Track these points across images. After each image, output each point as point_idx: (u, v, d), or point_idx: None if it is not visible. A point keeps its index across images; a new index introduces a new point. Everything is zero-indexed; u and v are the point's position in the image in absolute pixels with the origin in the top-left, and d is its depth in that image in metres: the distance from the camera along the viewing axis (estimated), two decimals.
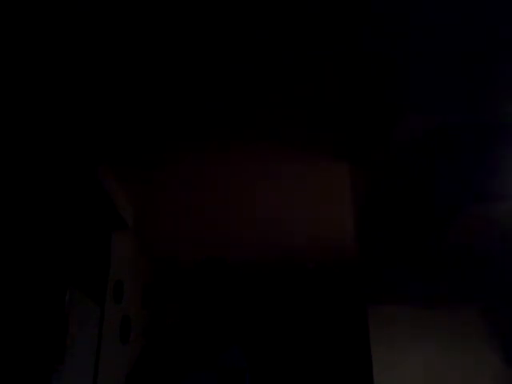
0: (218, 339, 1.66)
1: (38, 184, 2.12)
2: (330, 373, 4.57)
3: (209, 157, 2.68)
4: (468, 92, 2.16)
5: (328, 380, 4.54)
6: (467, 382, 4.19)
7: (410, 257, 3.86)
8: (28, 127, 2.05)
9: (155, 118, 2.34)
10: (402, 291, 4.36)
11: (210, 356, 1.61)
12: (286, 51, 1.91)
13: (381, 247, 3.78)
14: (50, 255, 2.19)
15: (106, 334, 2.87)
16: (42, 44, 1.83)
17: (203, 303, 1.67)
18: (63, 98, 2.14)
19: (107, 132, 2.44)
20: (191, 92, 2.16)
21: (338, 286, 4.71)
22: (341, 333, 4.69)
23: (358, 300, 4.64)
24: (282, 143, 2.56)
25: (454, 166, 2.69)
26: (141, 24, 1.77)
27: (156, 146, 2.58)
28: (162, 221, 3.47)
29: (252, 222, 3.48)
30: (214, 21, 1.76)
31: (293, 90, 2.15)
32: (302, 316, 4.86)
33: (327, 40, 1.85)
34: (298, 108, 2.27)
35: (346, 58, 1.95)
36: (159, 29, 1.79)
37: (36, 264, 2.07)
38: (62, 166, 2.30)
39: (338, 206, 3.20)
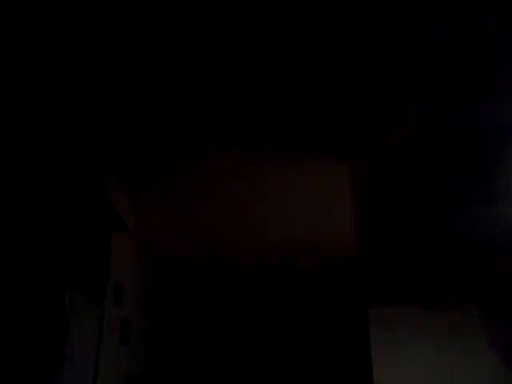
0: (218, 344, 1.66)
1: (39, 185, 2.11)
2: (329, 373, 4.57)
3: (208, 157, 2.68)
4: (468, 92, 2.16)
5: (328, 380, 4.53)
6: (467, 382, 4.18)
7: (410, 257, 3.86)
8: (30, 129, 2.04)
9: (156, 120, 2.34)
10: (402, 291, 4.36)
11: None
12: (286, 53, 1.91)
13: (381, 247, 3.78)
14: (50, 257, 2.18)
15: (105, 336, 2.86)
16: (49, 51, 1.83)
17: (203, 305, 1.67)
18: (66, 100, 2.14)
19: (108, 134, 2.44)
20: (190, 94, 2.16)
21: (338, 286, 4.71)
22: (341, 333, 4.69)
23: (359, 300, 4.64)
24: (282, 143, 2.55)
25: (454, 166, 2.69)
26: (146, 31, 1.77)
27: (156, 148, 2.58)
28: (163, 222, 3.47)
29: (252, 223, 3.48)
30: (219, 26, 1.76)
31: (292, 90, 2.15)
32: (301, 316, 4.85)
33: (328, 41, 1.85)
34: (298, 108, 2.27)
35: (346, 58, 1.95)
36: (161, 37, 1.80)
37: (36, 266, 2.07)
38: (63, 168, 2.29)
39: (337, 205, 3.20)
